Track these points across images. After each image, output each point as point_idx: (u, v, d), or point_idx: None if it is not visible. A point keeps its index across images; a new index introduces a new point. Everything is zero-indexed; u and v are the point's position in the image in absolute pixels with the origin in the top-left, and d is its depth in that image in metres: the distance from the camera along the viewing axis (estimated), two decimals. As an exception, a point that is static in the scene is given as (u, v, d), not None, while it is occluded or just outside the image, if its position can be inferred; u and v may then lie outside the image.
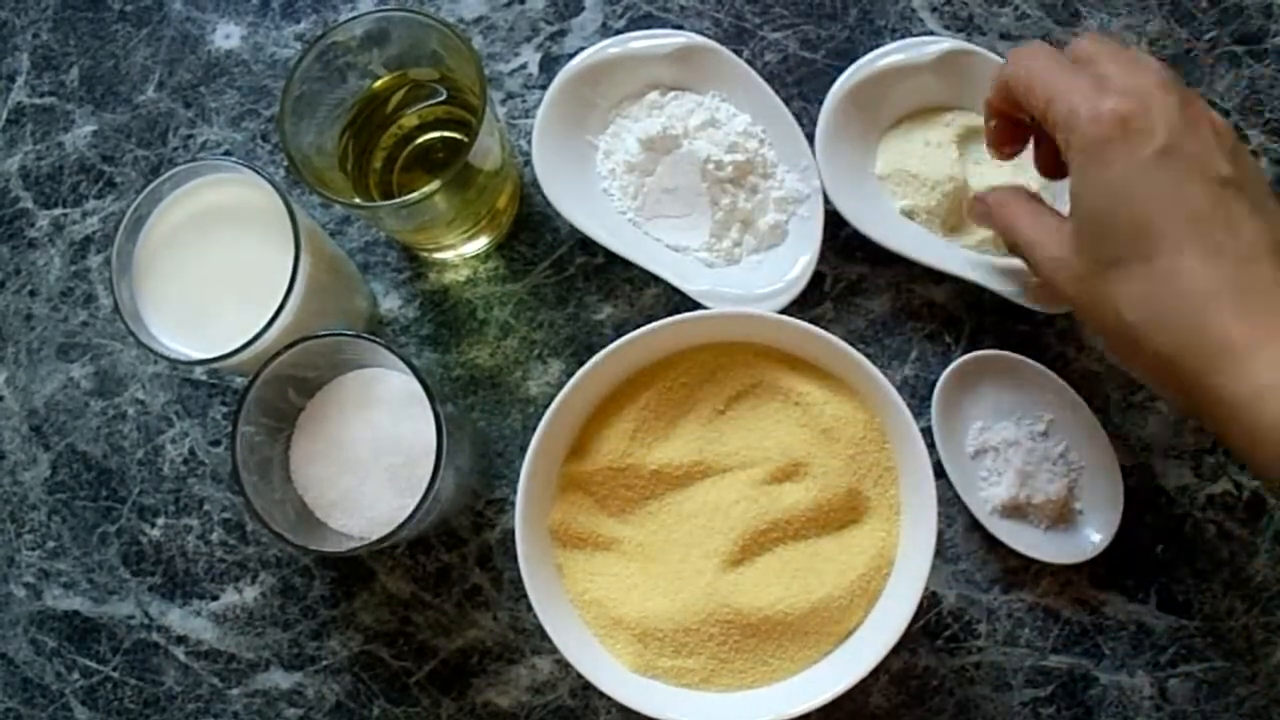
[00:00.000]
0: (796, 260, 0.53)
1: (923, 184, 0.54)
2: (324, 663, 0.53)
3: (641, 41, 0.55)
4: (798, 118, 0.54)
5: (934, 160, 0.54)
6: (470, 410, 0.55)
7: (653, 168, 0.54)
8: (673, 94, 0.55)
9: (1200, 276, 0.38)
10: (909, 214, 0.54)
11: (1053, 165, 0.46)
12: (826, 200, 0.53)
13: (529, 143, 0.55)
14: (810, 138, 0.54)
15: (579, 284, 0.56)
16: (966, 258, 0.53)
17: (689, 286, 0.52)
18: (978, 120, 0.55)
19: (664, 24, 0.58)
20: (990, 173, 0.54)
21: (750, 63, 0.56)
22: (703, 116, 0.54)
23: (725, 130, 0.54)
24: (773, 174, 0.54)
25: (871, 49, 0.55)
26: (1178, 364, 0.38)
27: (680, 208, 0.54)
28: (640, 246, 0.53)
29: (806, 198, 0.54)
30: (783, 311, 0.51)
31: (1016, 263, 0.54)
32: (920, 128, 0.55)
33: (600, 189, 0.55)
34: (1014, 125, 0.47)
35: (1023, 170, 0.54)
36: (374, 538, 0.45)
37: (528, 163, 0.57)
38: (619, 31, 0.58)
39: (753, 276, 0.53)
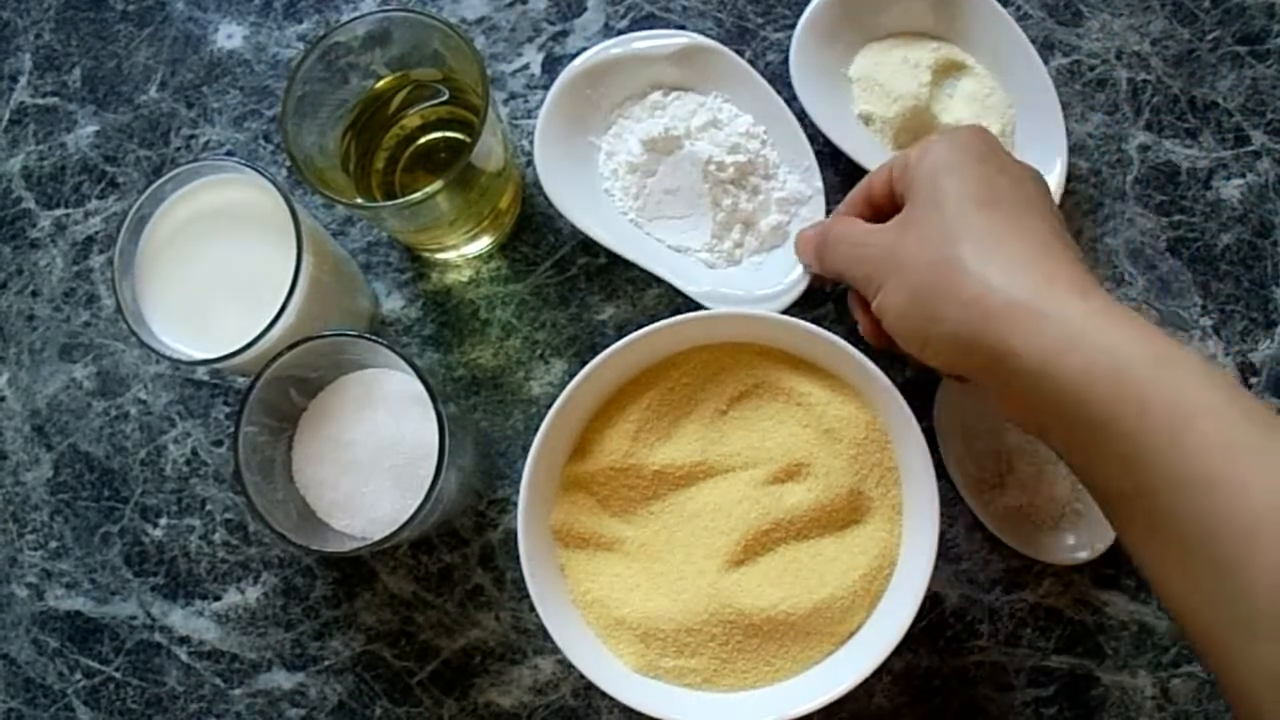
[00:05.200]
0: (798, 262, 0.53)
1: (886, 94, 0.54)
2: (326, 663, 0.53)
3: (644, 42, 0.54)
4: (799, 118, 0.54)
5: (904, 76, 0.55)
6: (472, 410, 0.55)
7: (654, 168, 0.54)
8: (675, 94, 0.55)
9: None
10: (865, 119, 0.55)
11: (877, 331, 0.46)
12: (825, 199, 0.54)
13: (531, 143, 0.55)
14: (812, 138, 0.54)
15: (581, 284, 0.56)
16: None
17: (690, 288, 0.52)
18: (962, 56, 0.56)
19: (666, 24, 0.58)
20: (959, 108, 0.55)
21: (752, 63, 0.56)
22: (705, 117, 0.54)
23: (727, 131, 0.54)
24: (774, 175, 0.54)
25: (873, 49, 0.55)
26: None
27: (682, 208, 0.54)
28: (641, 247, 0.53)
29: (808, 199, 0.54)
30: (784, 312, 0.51)
31: None
32: (904, 46, 0.56)
33: (602, 189, 0.55)
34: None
35: (990, 112, 0.55)
36: (376, 538, 0.45)
37: (530, 163, 0.57)
38: (621, 32, 0.58)
39: (754, 277, 0.53)
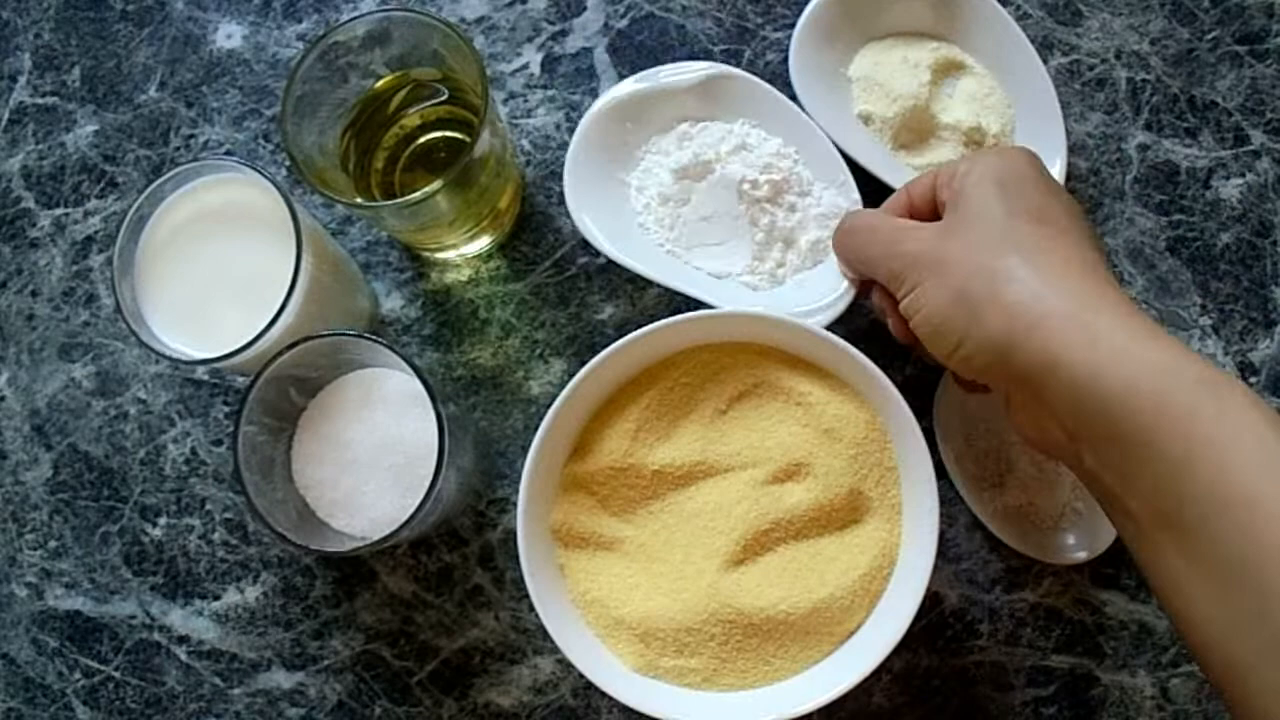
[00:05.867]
0: (841, 277, 0.51)
1: (886, 94, 0.55)
2: (326, 662, 0.53)
3: (666, 77, 0.53)
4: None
5: (904, 76, 0.55)
6: (472, 410, 0.55)
7: (687, 197, 0.53)
8: (702, 124, 0.54)
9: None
10: (865, 119, 0.55)
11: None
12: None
13: (531, 143, 0.55)
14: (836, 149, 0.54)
15: (581, 284, 0.56)
16: (908, 176, 0.54)
17: (732, 309, 0.50)
18: (961, 55, 0.56)
19: (665, 25, 0.58)
20: (958, 107, 0.55)
21: (752, 62, 0.56)
22: (734, 142, 0.53)
23: (758, 153, 0.53)
24: (810, 191, 0.53)
25: (873, 48, 0.55)
26: None
27: (719, 234, 0.53)
28: (682, 277, 0.52)
29: (845, 210, 0.53)
30: (829, 327, 0.49)
31: None
32: (904, 46, 0.56)
33: (636, 224, 0.54)
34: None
35: (989, 111, 0.55)
36: (376, 538, 0.45)
37: (530, 163, 0.57)
38: (621, 31, 0.58)
39: (798, 296, 0.52)
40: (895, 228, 0.45)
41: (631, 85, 0.53)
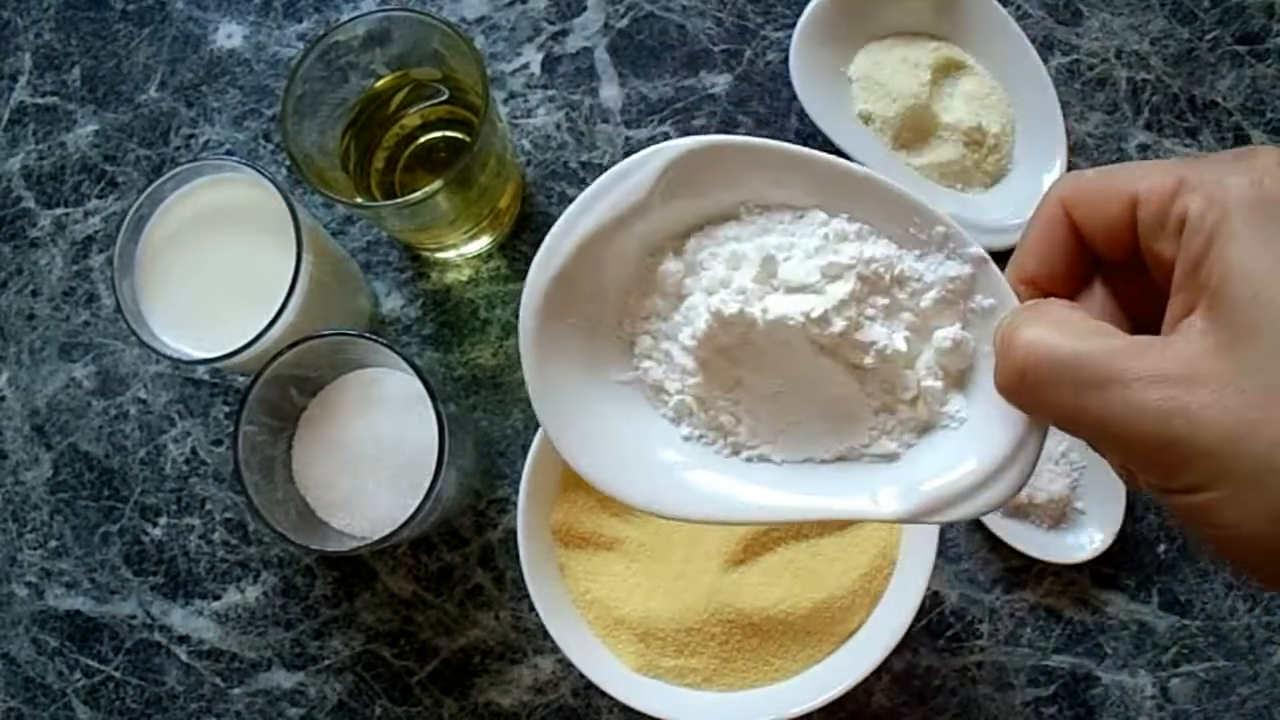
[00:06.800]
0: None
1: (887, 93, 0.55)
2: (326, 662, 0.53)
3: (603, 197, 0.31)
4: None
5: (904, 76, 0.55)
6: (472, 410, 0.55)
7: (737, 375, 0.32)
8: (693, 248, 0.32)
9: None
10: (865, 118, 0.55)
11: (1149, 300, 0.28)
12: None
13: (531, 143, 0.55)
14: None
15: (581, 284, 0.56)
16: (907, 175, 0.54)
17: (889, 509, 0.30)
18: (962, 55, 0.56)
19: (665, 25, 0.58)
20: (959, 107, 0.55)
21: (751, 62, 0.56)
22: (752, 262, 0.31)
23: (798, 258, 0.31)
24: (904, 272, 0.31)
25: (873, 48, 0.55)
26: None
27: (804, 406, 0.32)
28: (792, 494, 0.31)
29: (971, 277, 0.30)
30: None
31: (951, 194, 0.55)
32: (903, 46, 0.56)
33: (679, 439, 0.32)
34: (1069, 263, 0.29)
35: (990, 111, 0.55)
36: (376, 537, 0.45)
37: (530, 163, 0.57)
38: (621, 31, 0.58)
39: (967, 440, 0.31)
40: (1122, 365, 0.25)
41: (561, 245, 0.33)
